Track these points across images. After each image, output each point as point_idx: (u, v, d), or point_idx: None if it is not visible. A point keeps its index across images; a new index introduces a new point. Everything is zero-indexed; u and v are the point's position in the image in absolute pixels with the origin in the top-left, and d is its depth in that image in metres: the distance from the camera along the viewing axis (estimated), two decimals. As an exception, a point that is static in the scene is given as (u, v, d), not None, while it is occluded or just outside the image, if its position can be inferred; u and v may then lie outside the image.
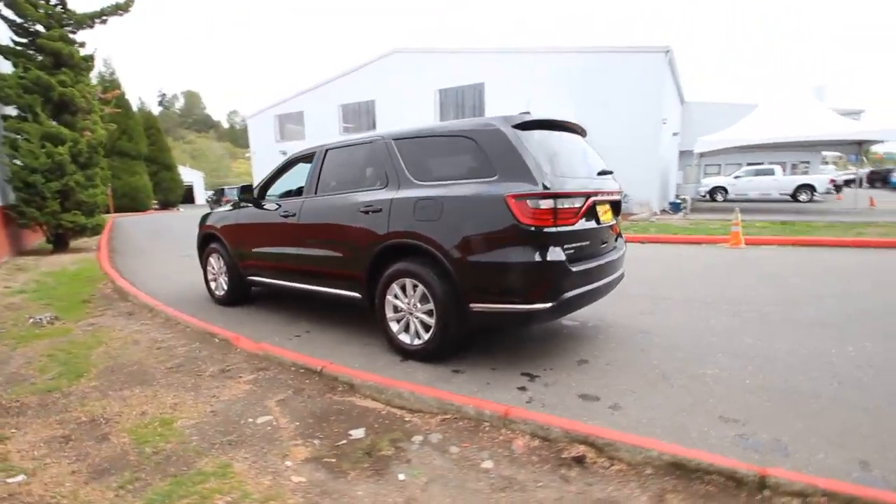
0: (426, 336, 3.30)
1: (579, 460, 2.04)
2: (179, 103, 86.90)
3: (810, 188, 20.64)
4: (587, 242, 3.25)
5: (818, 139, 15.82)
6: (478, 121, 3.24)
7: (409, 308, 3.38)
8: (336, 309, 4.73)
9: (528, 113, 3.33)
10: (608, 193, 3.50)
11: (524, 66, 17.98)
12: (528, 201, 2.85)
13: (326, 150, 4.16)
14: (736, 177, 22.29)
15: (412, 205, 3.28)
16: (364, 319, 4.33)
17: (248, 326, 4.28)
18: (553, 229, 2.90)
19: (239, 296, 5.15)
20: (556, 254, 2.92)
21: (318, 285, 4.07)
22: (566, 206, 2.96)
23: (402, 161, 3.50)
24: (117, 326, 4.40)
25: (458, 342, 3.31)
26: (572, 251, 3.04)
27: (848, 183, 26.86)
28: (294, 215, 4.17)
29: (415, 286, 3.31)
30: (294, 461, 2.12)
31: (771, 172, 21.74)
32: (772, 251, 7.80)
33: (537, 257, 2.88)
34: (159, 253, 9.57)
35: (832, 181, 22.30)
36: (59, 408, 2.63)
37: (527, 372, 3.12)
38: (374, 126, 22.16)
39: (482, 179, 3.06)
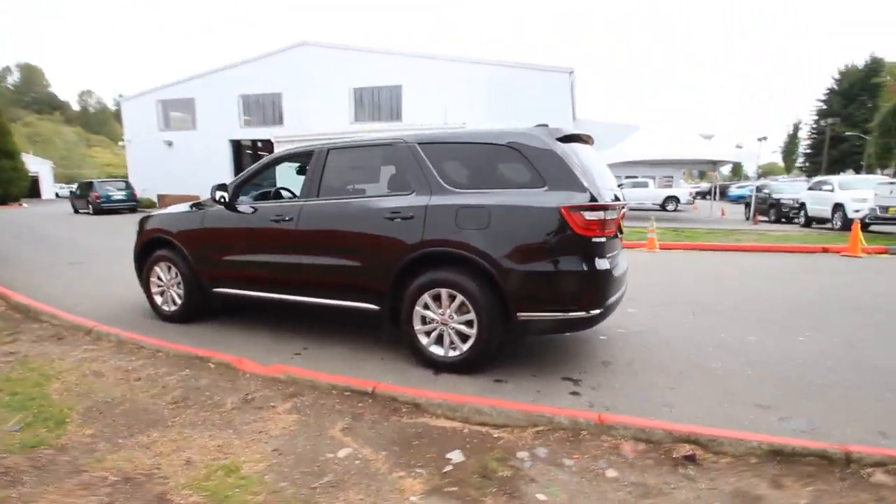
0: (465, 347, 3.22)
1: (691, 458, 2.18)
2: (13, 77, 71.71)
3: (676, 199, 24.22)
4: (616, 252, 3.46)
5: (685, 158, 18.66)
6: (519, 130, 3.26)
7: (442, 319, 3.27)
8: (323, 322, 4.35)
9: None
10: (624, 205, 3.77)
11: (442, 72, 18.31)
12: (582, 212, 2.95)
13: (328, 150, 3.82)
14: (619, 186, 25.22)
15: (453, 212, 3.17)
16: (364, 333, 4.07)
17: (228, 346, 3.74)
18: (600, 239, 3.04)
19: (196, 311, 4.47)
20: (603, 262, 3.06)
21: (321, 297, 3.72)
22: (610, 216, 3.12)
23: (431, 166, 3.37)
24: (52, 355, 3.52)
25: (495, 352, 3.29)
26: (610, 260, 3.22)
27: (699, 195, 32.09)
28: (290, 220, 3.76)
29: (451, 296, 3.21)
30: (416, 495, 1.93)
31: (646, 185, 25.03)
32: (683, 255, 9.01)
33: (590, 266, 3.00)
34: (37, 260, 7.86)
35: (691, 193, 26.44)
36: (68, 468, 2.03)
37: (566, 377, 3.21)
38: (280, 121, 20.70)
39: (531, 189, 3.08)
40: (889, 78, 45.28)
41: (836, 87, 45.99)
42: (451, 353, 3.28)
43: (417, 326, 3.36)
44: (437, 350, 3.33)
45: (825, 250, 8.75)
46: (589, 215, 2.96)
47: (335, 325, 4.27)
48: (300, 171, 4.79)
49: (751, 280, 6.56)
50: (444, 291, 3.23)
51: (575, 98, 22.30)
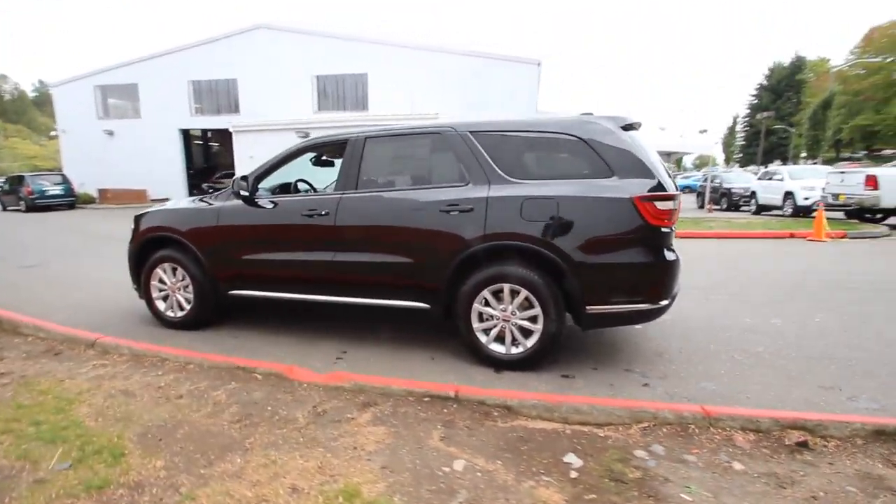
0: (528, 343, 3.12)
1: (804, 444, 2.20)
2: None
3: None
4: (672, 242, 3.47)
5: (647, 149, 19.38)
6: (583, 119, 3.16)
7: (504, 315, 3.14)
8: (348, 323, 4.10)
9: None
10: None
11: (409, 61, 17.92)
12: (655, 202, 2.91)
13: (366, 139, 3.55)
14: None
15: (518, 204, 3.04)
16: (401, 333, 3.86)
17: (256, 353, 3.44)
18: (668, 229, 3.02)
19: (208, 315, 4.08)
20: (671, 253, 3.05)
21: (363, 297, 3.48)
22: (676, 206, 3.10)
23: (486, 156, 3.21)
24: (57, 374, 3.07)
25: (556, 347, 3.21)
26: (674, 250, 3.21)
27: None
28: (326, 215, 3.47)
29: (514, 292, 3.09)
30: (560, 506, 1.81)
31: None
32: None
33: (660, 256, 2.97)
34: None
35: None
36: (157, 509, 1.73)
37: (628, 368, 3.19)
38: (236, 109, 19.52)
39: (598, 179, 3.00)
40: (812, 75, 49.52)
41: (766, 83, 49.56)
42: (514, 351, 3.17)
43: (476, 324, 3.21)
44: (497, 348, 3.20)
45: (792, 236, 9.38)
46: (661, 205, 2.92)
47: (364, 325, 4.02)
48: (318, 163, 4.47)
49: (738, 265, 6.88)
50: (507, 287, 3.10)
51: (538, 89, 22.64)
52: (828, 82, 43.48)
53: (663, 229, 2.97)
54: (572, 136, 3.10)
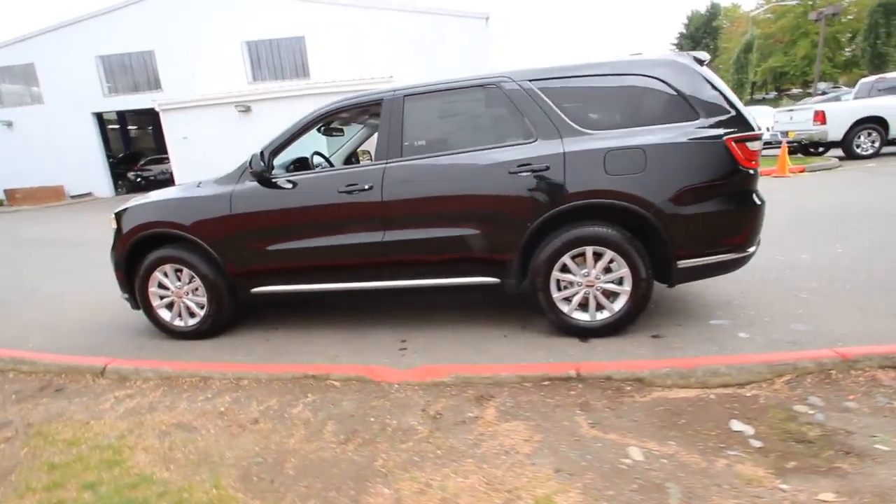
0: (616, 307, 2.91)
1: (947, 375, 2.18)
2: None
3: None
4: None
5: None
6: (660, 57, 2.89)
7: (588, 281, 2.90)
8: (385, 308, 3.72)
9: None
10: None
11: (351, 20, 16.67)
12: (747, 143, 2.73)
13: (405, 98, 3.08)
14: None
15: (600, 157, 2.75)
16: (456, 312, 3.55)
17: (302, 355, 3.03)
18: (755, 171, 2.87)
19: (227, 320, 3.53)
20: (759, 196, 2.91)
21: (421, 278, 3.11)
22: (761, 147, 2.94)
23: (554, 106, 2.87)
24: (75, 415, 2.48)
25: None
26: None
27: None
28: (369, 189, 3.01)
29: (598, 254, 2.85)
30: (773, 483, 1.64)
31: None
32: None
33: (751, 201, 2.83)
34: None
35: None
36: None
37: (712, 320, 3.09)
38: (157, 85, 17.42)
39: (683, 122, 2.76)
40: (726, 22, 52.17)
41: (684, 31, 51.60)
42: (600, 317, 2.95)
43: (556, 294, 2.95)
44: (581, 316, 2.97)
45: (756, 173, 9.83)
46: (752, 145, 2.75)
47: (411, 310, 3.66)
48: (327, 131, 3.90)
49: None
50: (589, 249, 2.85)
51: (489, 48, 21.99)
52: (742, 27, 46.04)
53: (751, 171, 2.81)
54: (650, 76, 2.82)
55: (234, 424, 2.26)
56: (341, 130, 4.13)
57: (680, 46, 51.55)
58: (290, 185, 3.19)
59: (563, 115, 2.85)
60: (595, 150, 2.77)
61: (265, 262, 3.26)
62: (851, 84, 19.31)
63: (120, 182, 20.10)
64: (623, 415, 2.11)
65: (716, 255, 2.85)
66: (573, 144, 2.80)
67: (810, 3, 39.74)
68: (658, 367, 2.34)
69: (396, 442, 2.02)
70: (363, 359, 2.92)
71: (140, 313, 3.54)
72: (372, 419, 2.21)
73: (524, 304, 3.24)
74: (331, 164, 3.99)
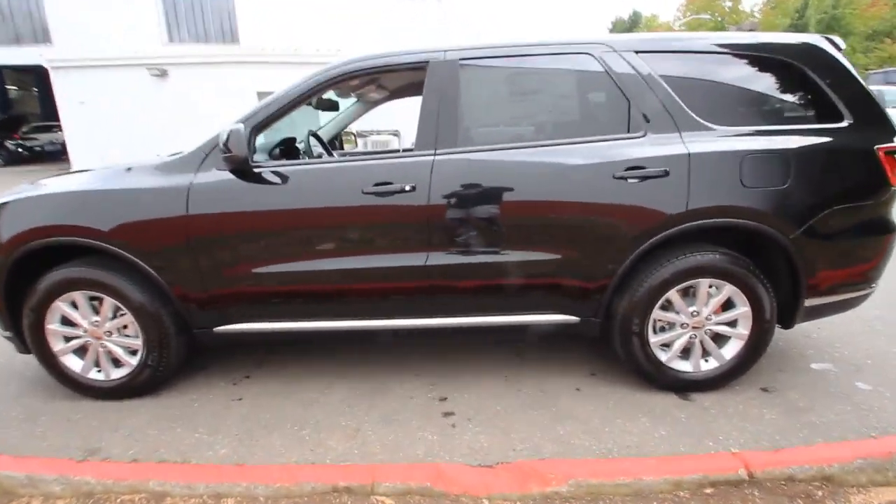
0: (727, 354, 2.30)
1: None
2: None
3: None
4: None
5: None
6: (798, 39, 2.24)
7: (696, 321, 2.24)
8: (408, 348, 2.84)
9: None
10: None
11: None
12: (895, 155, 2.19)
13: (460, 63, 2.16)
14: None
15: (735, 163, 2.07)
16: (479, 335, 2.77)
17: (294, 425, 2.10)
18: (896, 189, 2.34)
19: (175, 368, 2.44)
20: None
21: (471, 316, 2.27)
22: None
23: (670, 90, 2.13)
24: None
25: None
26: None
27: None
28: (410, 191, 2.09)
29: (713, 288, 2.20)
30: None
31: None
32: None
33: (891, 225, 2.31)
34: None
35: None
36: None
37: (818, 367, 2.57)
38: (45, 38, 14.42)
39: (827, 125, 2.16)
40: (646, 31, 55.61)
41: (610, 36, 54.25)
42: (705, 367, 2.31)
43: (653, 338, 2.25)
44: (680, 365, 2.32)
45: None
46: (900, 157, 2.21)
47: (421, 338, 2.80)
48: (325, 106, 2.87)
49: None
50: (705, 282, 2.17)
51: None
52: (661, 36, 49.15)
53: (894, 189, 2.29)
54: (790, 61, 2.17)
55: None
56: (335, 104, 3.09)
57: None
58: (280, 180, 2.16)
59: (681, 102, 2.13)
60: (728, 152, 2.08)
61: (240, 286, 2.22)
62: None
63: (-7, 151, 16.54)
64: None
65: (848, 290, 2.31)
66: (697, 143, 2.09)
67: (719, 19, 43.37)
68: (845, 460, 1.71)
69: None
70: (398, 433, 2.04)
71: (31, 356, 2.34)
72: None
73: (560, 337, 2.59)
74: (328, 152, 2.94)
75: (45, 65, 12.11)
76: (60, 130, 13.58)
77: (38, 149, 17.66)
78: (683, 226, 2.08)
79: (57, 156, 16.66)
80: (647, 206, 2.07)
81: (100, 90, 12.09)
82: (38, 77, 17.90)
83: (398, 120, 9.65)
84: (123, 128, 11.97)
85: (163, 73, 12.60)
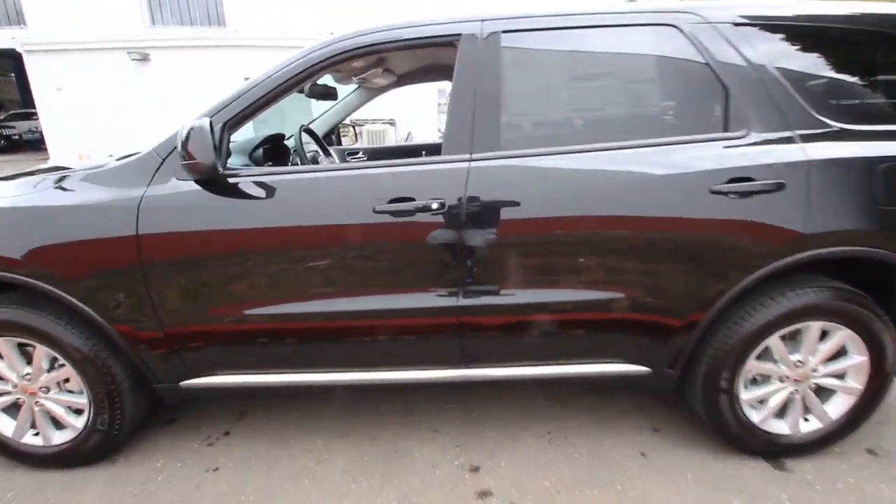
0: (835, 414, 1.82)
1: None
2: None
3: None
4: None
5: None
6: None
7: (798, 374, 1.75)
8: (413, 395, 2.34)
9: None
10: None
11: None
12: None
13: (502, 36, 1.62)
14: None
15: (866, 174, 1.56)
16: (519, 399, 2.27)
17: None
18: None
19: (129, 430, 1.93)
20: None
21: (510, 366, 1.78)
22: None
23: (779, 76, 1.61)
24: None
25: None
26: None
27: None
28: (438, 210, 1.56)
29: (822, 333, 1.71)
30: None
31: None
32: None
33: None
34: None
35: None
36: None
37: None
38: (19, 20, 13.59)
39: None
40: None
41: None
42: (805, 428, 1.84)
43: (745, 394, 1.77)
44: (777, 426, 1.84)
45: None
46: None
47: (444, 401, 2.29)
48: (320, 94, 2.32)
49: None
50: (815, 326, 1.68)
51: None
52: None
53: None
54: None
55: None
56: (333, 91, 2.52)
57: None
58: (263, 193, 1.62)
59: (794, 92, 1.60)
60: (860, 158, 1.57)
61: (212, 325, 1.71)
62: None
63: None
64: None
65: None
66: (818, 147, 1.57)
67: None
68: None
69: None
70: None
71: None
72: None
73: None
74: (326, 151, 2.39)
75: (18, 48, 11.30)
76: (38, 118, 12.81)
77: (15, 137, 16.83)
78: (798, 256, 1.58)
79: (36, 144, 15.86)
80: (752, 230, 1.56)
81: (77, 75, 11.33)
82: (15, 62, 16.99)
83: (392, 106, 9.04)
84: (103, 116, 11.25)
85: (144, 58, 11.82)
